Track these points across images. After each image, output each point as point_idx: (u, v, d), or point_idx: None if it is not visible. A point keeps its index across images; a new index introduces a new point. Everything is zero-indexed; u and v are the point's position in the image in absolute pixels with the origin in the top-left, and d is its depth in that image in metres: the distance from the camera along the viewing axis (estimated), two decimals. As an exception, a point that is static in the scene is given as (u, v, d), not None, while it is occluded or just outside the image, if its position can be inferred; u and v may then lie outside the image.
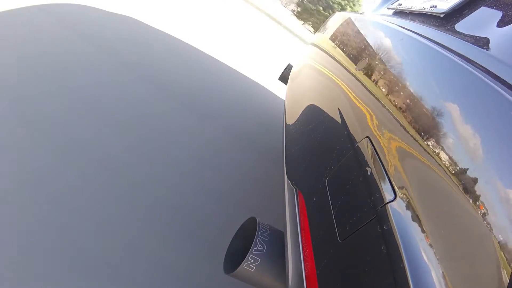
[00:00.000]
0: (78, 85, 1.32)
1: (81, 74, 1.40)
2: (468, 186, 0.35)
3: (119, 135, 1.20)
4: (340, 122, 0.67)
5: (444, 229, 0.35)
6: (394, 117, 0.51)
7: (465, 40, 0.57)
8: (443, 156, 0.39)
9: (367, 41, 0.85)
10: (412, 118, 0.48)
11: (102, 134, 1.15)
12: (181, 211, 1.08)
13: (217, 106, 1.94)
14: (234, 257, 0.70)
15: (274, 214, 1.31)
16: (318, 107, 0.87)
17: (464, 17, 0.65)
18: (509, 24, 0.55)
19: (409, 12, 0.88)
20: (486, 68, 0.45)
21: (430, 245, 0.36)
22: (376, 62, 0.68)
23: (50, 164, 0.93)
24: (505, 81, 0.41)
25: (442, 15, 0.70)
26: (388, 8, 1.07)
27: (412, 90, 0.52)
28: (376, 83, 0.62)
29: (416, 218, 0.39)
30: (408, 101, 0.51)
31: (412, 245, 0.37)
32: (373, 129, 0.55)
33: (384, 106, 0.55)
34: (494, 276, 0.29)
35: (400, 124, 0.49)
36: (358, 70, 0.72)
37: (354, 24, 1.08)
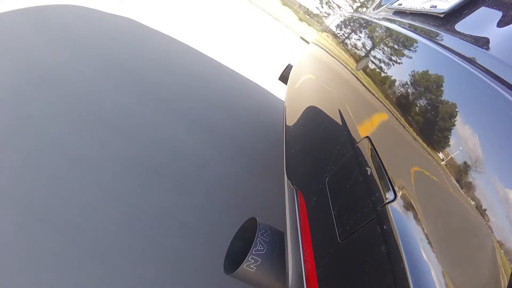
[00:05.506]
0: (78, 86, 1.32)
1: (81, 74, 1.40)
2: (468, 186, 0.35)
3: (121, 139, 1.20)
4: (340, 122, 0.67)
5: (444, 229, 0.35)
6: (394, 117, 0.51)
7: (465, 40, 0.57)
8: (443, 156, 0.39)
9: (367, 41, 0.85)
10: (412, 118, 0.48)
11: (104, 140, 1.15)
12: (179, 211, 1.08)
13: (216, 107, 1.94)
14: (234, 257, 0.70)
15: (274, 214, 1.31)
16: (318, 107, 0.87)
17: (464, 17, 0.65)
18: (509, 24, 0.55)
19: (409, 12, 0.88)
20: (486, 68, 0.45)
21: (430, 245, 0.36)
22: (376, 62, 0.68)
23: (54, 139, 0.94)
24: (505, 81, 0.41)
25: (442, 15, 0.70)
26: (388, 8, 1.07)
27: (412, 90, 0.52)
28: (376, 83, 0.62)
29: (416, 218, 0.38)
30: (408, 101, 0.51)
31: (412, 245, 0.37)
32: (373, 129, 0.55)
33: (384, 106, 0.55)
34: (494, 276, 0.29)
35: (400, 124, 0.49)
36: (358, 70, 0.72)
37: (354, 24, 1.08)
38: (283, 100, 2.18)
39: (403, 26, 0.77)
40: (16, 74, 1.17)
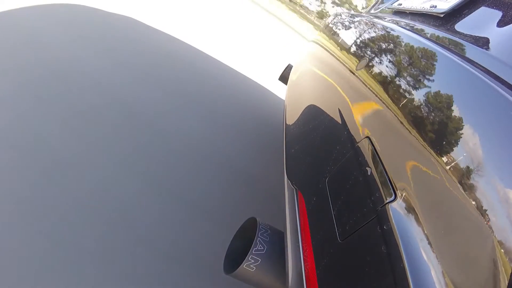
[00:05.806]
0: (78, 87, 1.32)
1: (81, 76, 1.40)
2: (468, 186, 0.35)
3: (120, 138, 1.20)
4: (340, 122, 0.67)
5: (444, 229, 0.35)
6: (394, 117, 0.51)
7: (465, 40, 0.57)
8: (443, 156, 0.39)
9: (367, 41, 0.85)
10: (412, 118, 0.48)
11: (105, 138, 1.15)
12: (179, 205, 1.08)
13: (217, 107, 1.94)
14: (234, 257, 0.70)
15: (274, 214, 1.31)
16: (318, 107, 0.87)
17: (464, 17, 0.65)
18: (509, 24, 0.55)
19: (409, 12, 0.88)
20: (486, 68, 0.45)
21: (430, 245, 0.36)
22: (376, 62, 0.68)
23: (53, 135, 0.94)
24: (505, 81, 0.41)
25: (442, 15, 0.70)
26: (388, 8, 1.07)
27: (412, 90, 0.52)
28: (376, 83, 0.62)
29: (416, 218, 0.38)
30: (408, 101, 0.51)
31: (412, 245, 0.37)
32: (373, 129, 0.55)
33: (385, 106, 0.55)
34: (494, 276, 0.29)
35: (401, 124, 0.49)
36: (359, 69, 0.72)
37: (354, 24, 1.08)
38: (283, 99, 2.18)
39: (403, 26, 0.77)
40: (16, 73, 1.17)
